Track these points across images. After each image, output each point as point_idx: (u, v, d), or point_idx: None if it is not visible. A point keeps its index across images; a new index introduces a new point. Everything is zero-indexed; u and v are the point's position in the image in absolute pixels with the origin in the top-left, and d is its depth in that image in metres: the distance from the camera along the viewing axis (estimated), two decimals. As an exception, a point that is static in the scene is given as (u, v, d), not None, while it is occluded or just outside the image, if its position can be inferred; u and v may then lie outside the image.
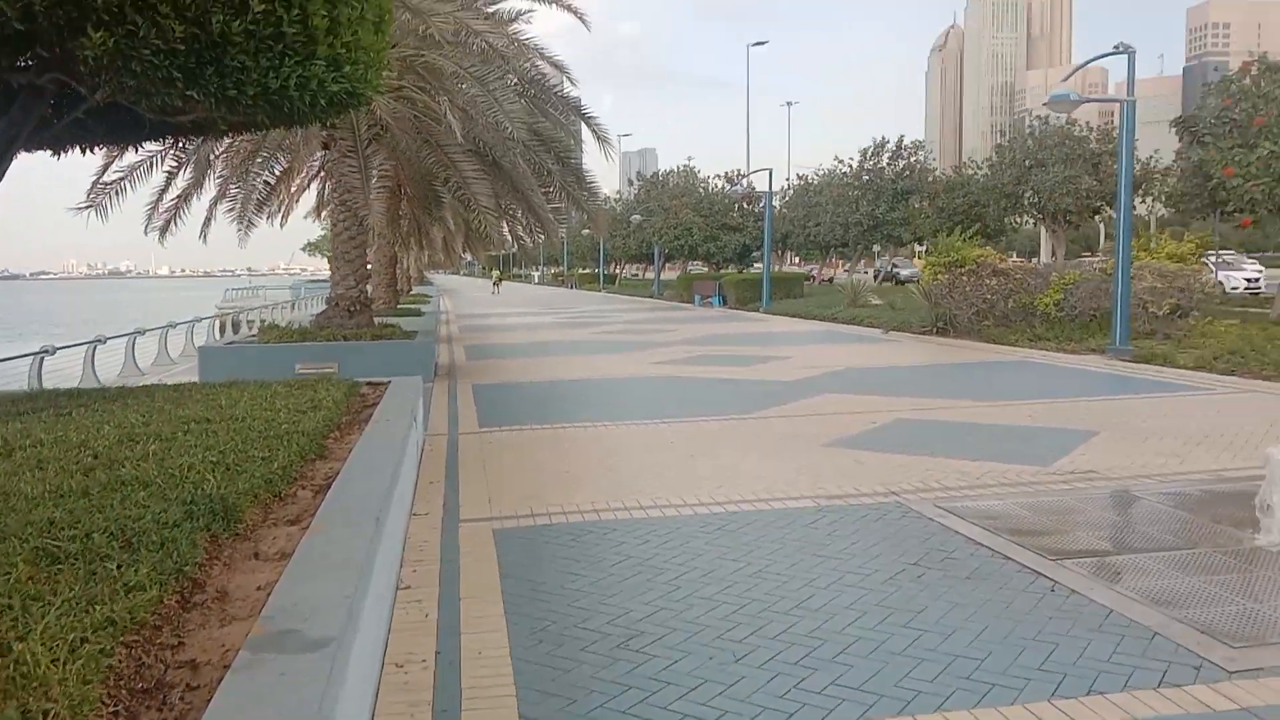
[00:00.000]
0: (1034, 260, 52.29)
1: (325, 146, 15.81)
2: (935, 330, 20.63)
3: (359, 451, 5.95)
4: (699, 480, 7.86)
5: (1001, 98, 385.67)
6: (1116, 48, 15.47)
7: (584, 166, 17.35)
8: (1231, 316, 20.61)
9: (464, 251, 48.89)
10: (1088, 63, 16.16)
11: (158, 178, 15.21)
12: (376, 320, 17.30)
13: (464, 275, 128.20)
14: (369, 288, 23.20)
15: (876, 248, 49.61)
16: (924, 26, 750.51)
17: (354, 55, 7.57)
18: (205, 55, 6.59)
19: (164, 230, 16.54)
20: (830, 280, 57.34)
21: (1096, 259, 45.87)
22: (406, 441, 6.86)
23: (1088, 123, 39.83)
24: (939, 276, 20.27)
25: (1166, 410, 10.77)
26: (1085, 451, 8.65)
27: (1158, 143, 41.42)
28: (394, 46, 15.07)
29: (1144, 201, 41.24)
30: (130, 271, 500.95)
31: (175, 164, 15.22)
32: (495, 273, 72.17)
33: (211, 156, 15.92)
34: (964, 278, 19.89)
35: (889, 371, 15.41)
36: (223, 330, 30.63)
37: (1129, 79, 15.51)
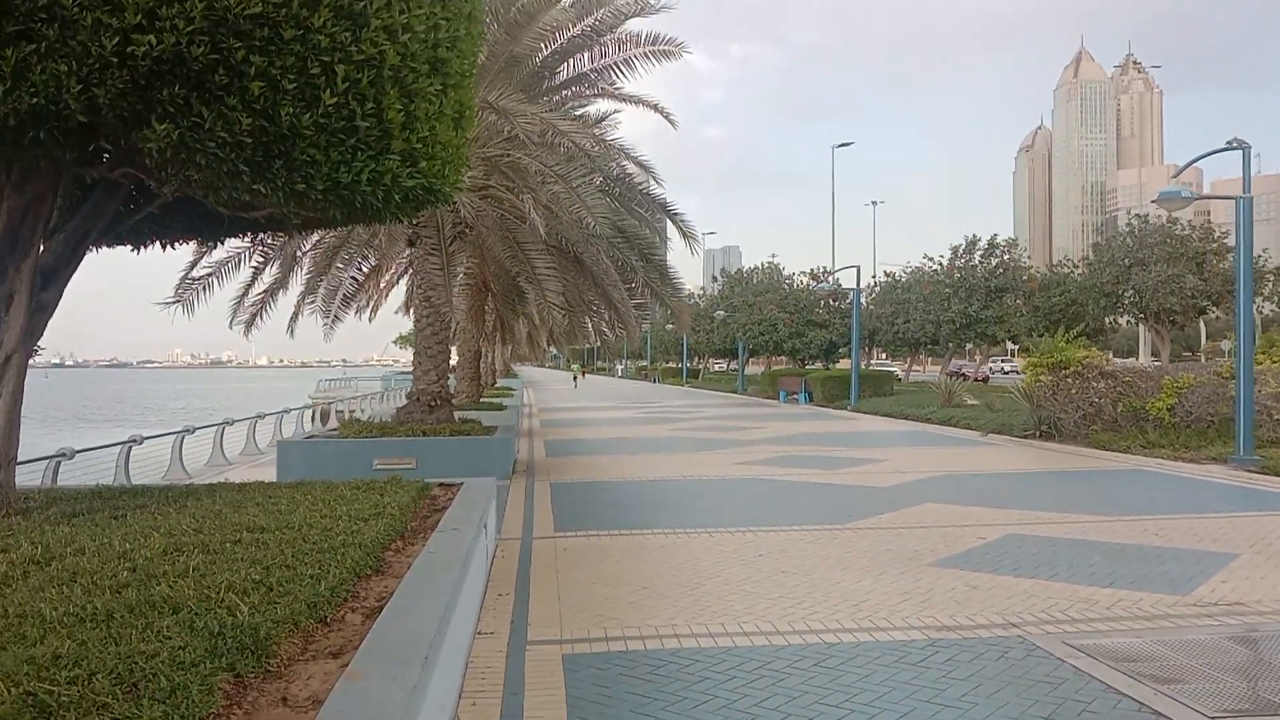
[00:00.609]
0: (1131, 361, 50.30)
1: (411, 243, 15.80)
2: (1038, 434, 19.51)
3: (418, 569, 5.42)
4: (791, 602, 7.13)
5: (1091, 197, 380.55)
6: (1230, 143, 14.66)
7: (668, 263, 17.04)
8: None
9: (548, 345, 49.17)
10: (1201, 158, 15.36)
11: (244, 273, 15.35)
12: (458, 415, 17.04)
13: (548, 368, 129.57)
14: (451, 381, 23.12)
15: (969, 346, 48.28)
16: (1011, 127, 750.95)
17: (431, 151, 7.34)
18: (273, 149, 6.37)
19: (250, 324, 16.65)
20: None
21: (1201, 360, 43.72)
22: (472, 555, 6.32)
23: (1189, 221, 38.47)
24: (1042, 378, 19.24)
25: (1314, 531, 9.66)
26: (1226, 578, 7.67)
27: (1265, 241, 39.75)
28: (481, 146, 15.13)
29: (1254, 301, 39.43)
30: (231, 361, 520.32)
31: (262, 259, 15.37)
32: (575, 366, 72.44)
33: (298, 253, 16.05)
34: (1069, 380, 18.84)
35: (992, 479, 14.43)
36: (316, 419, 30.91)
37: (1245, 175, 14.63)
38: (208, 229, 8.76)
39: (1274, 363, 16.85)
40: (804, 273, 49.20)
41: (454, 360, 25.65)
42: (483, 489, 8.95)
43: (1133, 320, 41.66)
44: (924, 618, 6.69)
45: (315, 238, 16.45)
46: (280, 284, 16.45)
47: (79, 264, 7.60)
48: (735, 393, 50.38)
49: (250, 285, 15.78)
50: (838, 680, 5.41)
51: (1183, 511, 11.03)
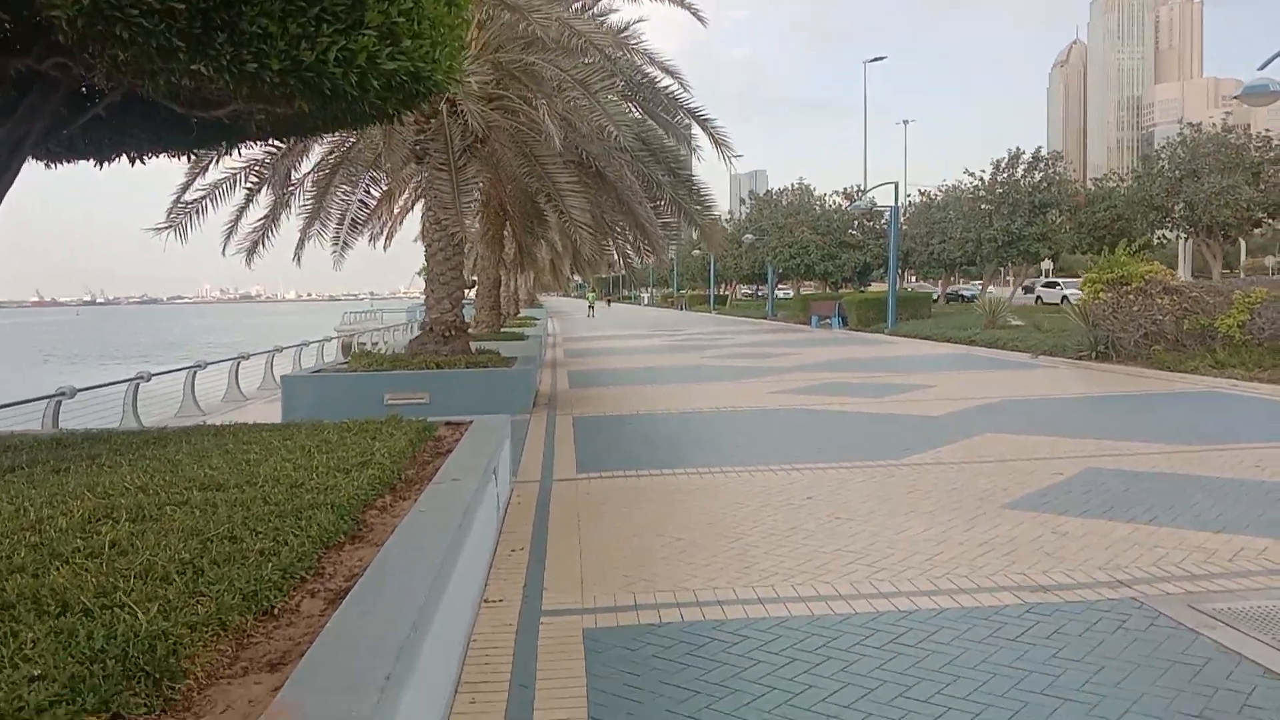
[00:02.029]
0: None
1: (418, 159, 14.62)
2: (1095, 355, 18.25)
3: (403, 534, 4.42)
4: (852, 555, 6.09)
5: (1128, 113, 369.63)
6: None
7: (697, 179, 15.74)
8: None
9: (572, 273, 47.94)
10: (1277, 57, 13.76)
11: (239, 196, 14.26)
12: (476, 346, 16.04)
13: (574, 297, 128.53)
14: (470, 312, 22.10)
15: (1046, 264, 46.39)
16: (1045, 43, 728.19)
17: (416, 28, 6.03)
18: (214, 18, 5.18)
19: (251, 252, 15.62)
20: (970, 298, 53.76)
21: (1241, 277, 41.90)
22: (475, 510, 5.32)
23: (1245, 129, 36.34)
24: (1101, 295, 17.90)
25: None
26: (1363, 522, 6.54)
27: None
28: (493, 51, 13.82)
29: (1315, 211, 37.44)
30: (259, 296, 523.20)
31: (256, 180, 14.25)
32: (590, 295, 70.55)
33: (292, 172, 14.89)
34: (1130, 296, 17.49)
35: (1054, 405, 13.27)
36: (337, 353, 30.08)
37: (1343, 60, 13.10)
38: (173, 137, 7.65)
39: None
40: (836, 193, 47.44)
41: (475, 292, 24.63)
42: (494, 428, 7.93)
43: (1182, 235, 39.78)
44: (1013, 575, 5.63)
45: (315, 159, 15.31)
46: (281, 207, 15.35)
47: (16, 174, 6.56)
48: (765, 318, 49.10)
49: (244, 209, 14.70)
50: (921, 664, 4.38)
51: (1276, 439, 9.85)
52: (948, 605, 5.16)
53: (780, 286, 62.88)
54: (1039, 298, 58.42)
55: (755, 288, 78.09)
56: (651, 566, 5.98)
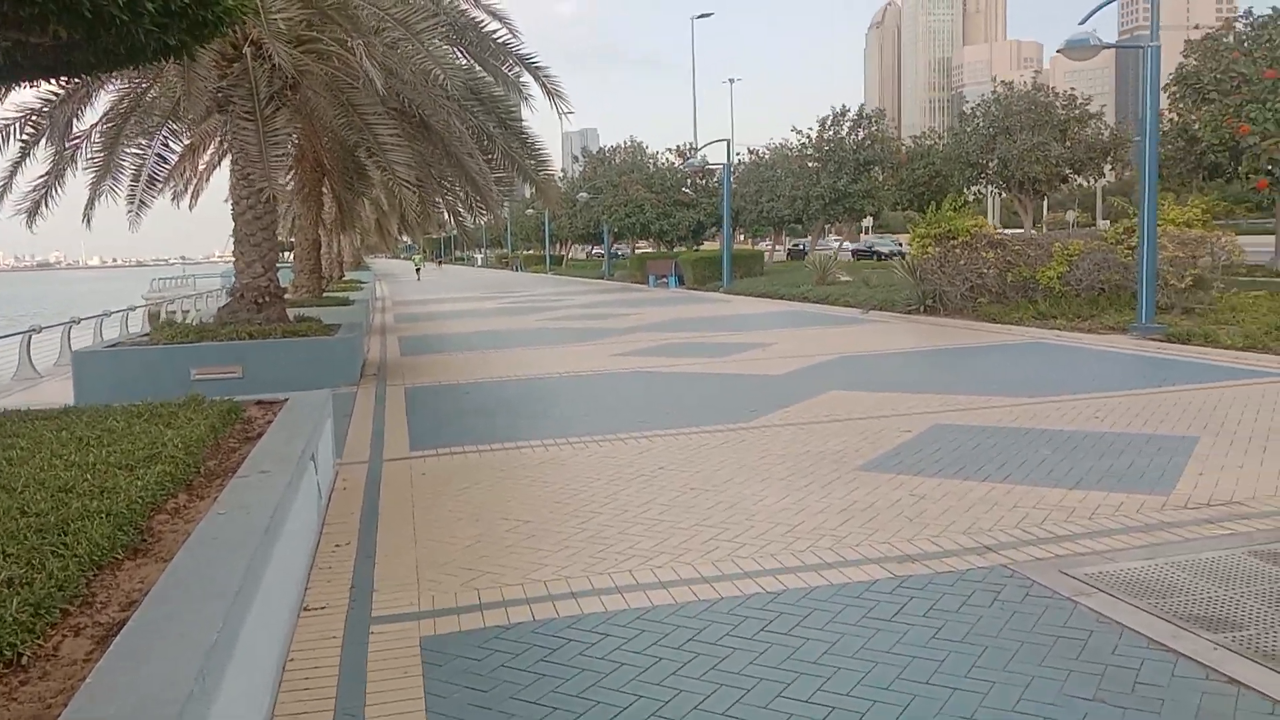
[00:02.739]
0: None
1: (221, 108, 13.27)
2: (923, 309, 18.68)
3: (197, 543, 3.68)
4: (710, 531, 5.69)
5: (939, 74, 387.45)
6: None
7: (531, 132, 15.00)
8: (1240, 286, 18.93)
9: (400, 234, 46.04)
10: (1103, 5, 14.19)
11: (14, 150, 12.58)
12: (295, 313, 14.87)
13: (405, 259, 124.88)
14: (286, 276, 20.69)
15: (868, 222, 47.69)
16: (863, 3, 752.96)
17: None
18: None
19: (33, 213, 13.89)
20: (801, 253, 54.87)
21: (1043, 231, 44.58)
22: (288, 505, 4.59)
23: (1052, 88, 38.24)
24: (929, 249, 18.29)
25: (1256, 404, 8.83)
26: (1201, 469, 6.63)
27: (1105, 113, 40.06)
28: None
29: (1113, 169, 39.95)
30: (60, 263, 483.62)
31: (33, 131, 12.60)
32: (417, 258, 67.98)
33: (73, 122, 13.26)
34: (957, 250, 17.94)
35: (891, 360, 13.38)
36: (145, 323, 27.69)
37: (1153, 20, 13.59)
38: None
39: (1175, 225, 16.25)
40: (669, 150, 47.35)
41: (293, 254, 23.07)
42: (313, 405, 7.13)
43: (996, 190, 41.72)
44: (878, 544, 5.35)
45: (103, 107, 13.69)
46: (65, 162, 13.67)
47: None
48: (602, 278, 48.75)
49: (19, 164, 13.00)
50: (797, 655, 3.99)
51: (1108, 389, 10.12)
52: (817, 583, 4.82)
53: (616, 246, 62.67)
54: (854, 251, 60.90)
55: (591, 247, 77.63)
56: (497, 556, 5.41)
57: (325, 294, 22.81)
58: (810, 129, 39.38)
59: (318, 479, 6.29)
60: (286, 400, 7.42)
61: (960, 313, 17.96)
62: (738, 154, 55.87)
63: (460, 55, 13.62)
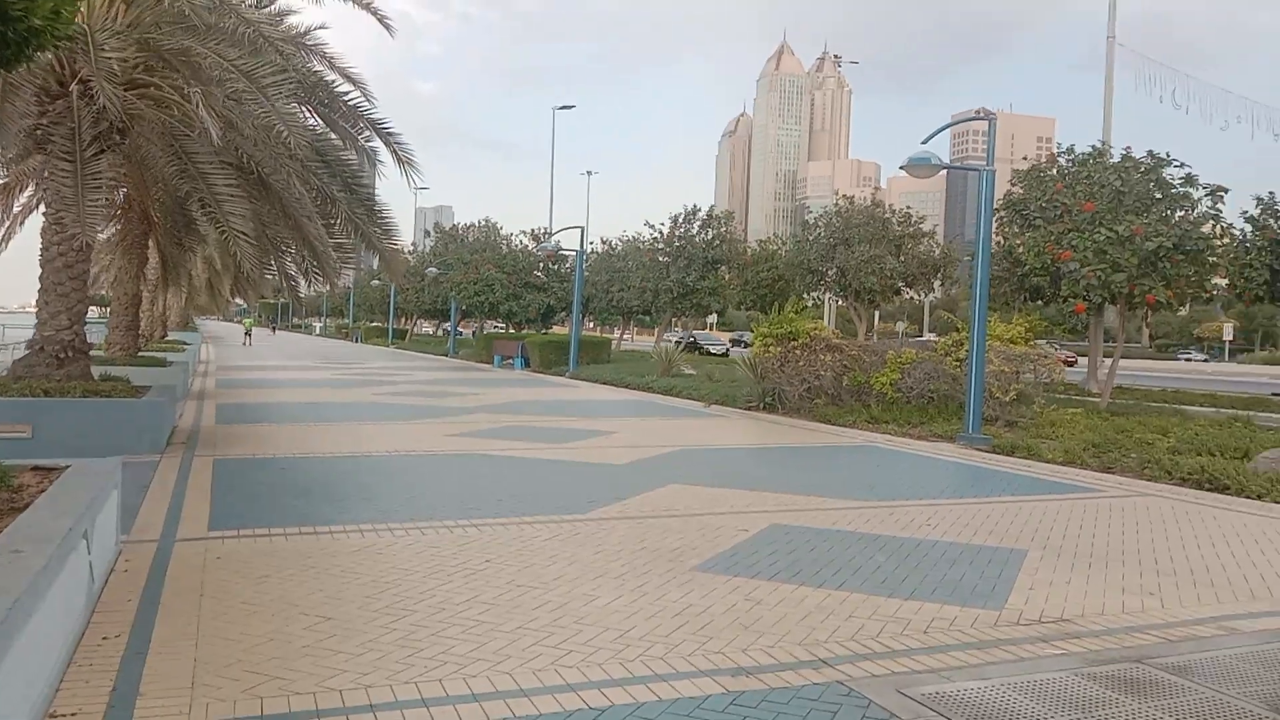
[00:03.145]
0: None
1: (40, 146, 12.24)
2: (763, 406, 18.89)
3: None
4: (535, 635, 5.23)
5: (785, 185, 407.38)
6: (978, 113, 14.45)
7: (379, 200, 14.49)
8: (1056, 403, 20.02)
9: (233, 295, 43.97)
10: (949, 126, 15.03)
11: None
12: (101, 371, 13.64)
13: (237, 322, 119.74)
14: (99, 332, 19.19)
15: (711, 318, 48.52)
16: (718, 112, 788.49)
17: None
18: None
19: None
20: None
21: (875, 339, 46.64)
22: (42, 594, 3.90)
23: (891, 205, 40.39)
24: (770, 349, 18.58)
25: (1079, 519, 9.08)
26: (1032, 584, 6.65)
27: (937, 233, 42.66)
28: (134, 28, 11.92)
29: (943, 285, 42.24)
30: None
31: None
32: (248, 321, 64.85)
33: None
34: (797, 352, 18.29)
35: (731, 455, 13.32)
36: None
37: (989, 146, 14.42)
38: None
39: (1000, 342, 17.06)
40: (523, 233, 47.33)
41: (111, 309, 21.44)
42: (98, 474, 6.34)
43: (835, 297, 43.40)
44: (711, 654, 5.03)
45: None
46: None
47: None
48: (446, 355, 47.79)
49: None
50: (622, 785, 3.58)
51: (938, 496, 10.27)
52: (646, 699, 4.43)
53: (463, 324, 61.86)
54: (697, 347, 62.40)
55: (437, 324, 76.39)
56: (290, 659, 4.78)
57: (141, 354, 21.24)
58: (662, 224, 40.19)
59: (91, 559, 5.51)
60: (68, 467, 6.58)
61: (798, 412, 18.23)
62: (591, 243, 56.54)
63: (309, 115, 13.08)
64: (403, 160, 13.18)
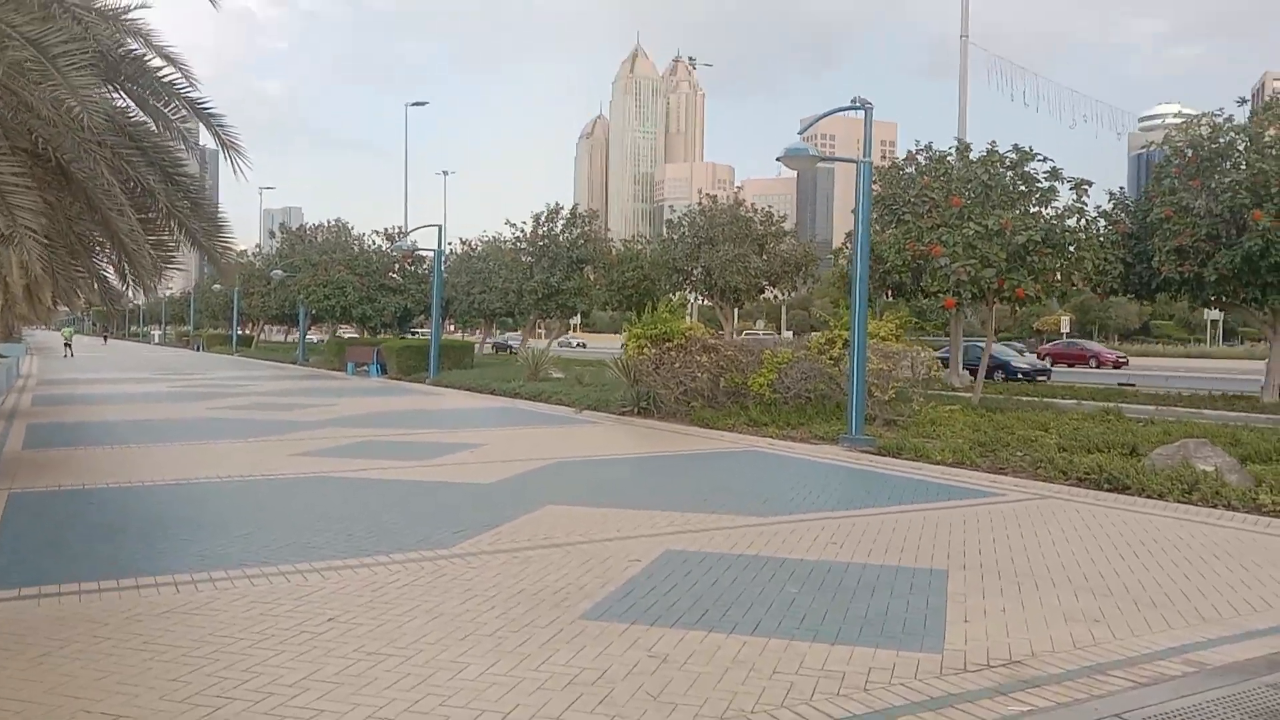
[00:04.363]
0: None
1: None
2: (637, 410, 18.00)
3: None
4: (391, 729, 4.10)
5: (643, 186, 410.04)
6: (854, 102, 13.86)
7: (207, 193, 12.86)
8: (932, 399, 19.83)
9: (54, 303, 40.29)
10: (825, 115, 14.47)
11: None
12: None
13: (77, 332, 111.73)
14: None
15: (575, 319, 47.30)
16: (575, 114, 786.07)
17: None
18: None
19: None
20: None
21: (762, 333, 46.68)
22: None
23: (753, 204, 40.30)
24: (645, 350, 17.70)
25: (989, 529, 8.46)
26: (965, 614, 5.90)
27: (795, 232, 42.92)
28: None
29: (805, 283, 42.45)
30: None
31: None
32: (67, 330, 60.96)
33: None
34: (672, 353, 17.47)
35: (610, 467, 12.34)
36: None
37: (865, 137, 13.91)
38: None
39: (874, 338, 16.62)
40: (377, 233, 45.07)
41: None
42: None
43: (699, 296, 43.06)
44: (618, 742, 4.01)
45: None
46: None
47: None
48: (295, 363, 45.19)
49: None
50: None
51: (836, 508, 9.54)
52: (540, 820, 3.38)
53: (318, 330, 58.93)
54: (511, 349, 62.37)
55: (287, 330, 72.72)
56: (48, 792, 3.51)
57: (-66, 369, 18.68)
58: (524, 224, 38.90)
59: None
60: None
61: (674, 416, 17.42)
62: (450, 244, 54.65)
63: (116, 95, 11.41)
64: (227, 145, 11.58)
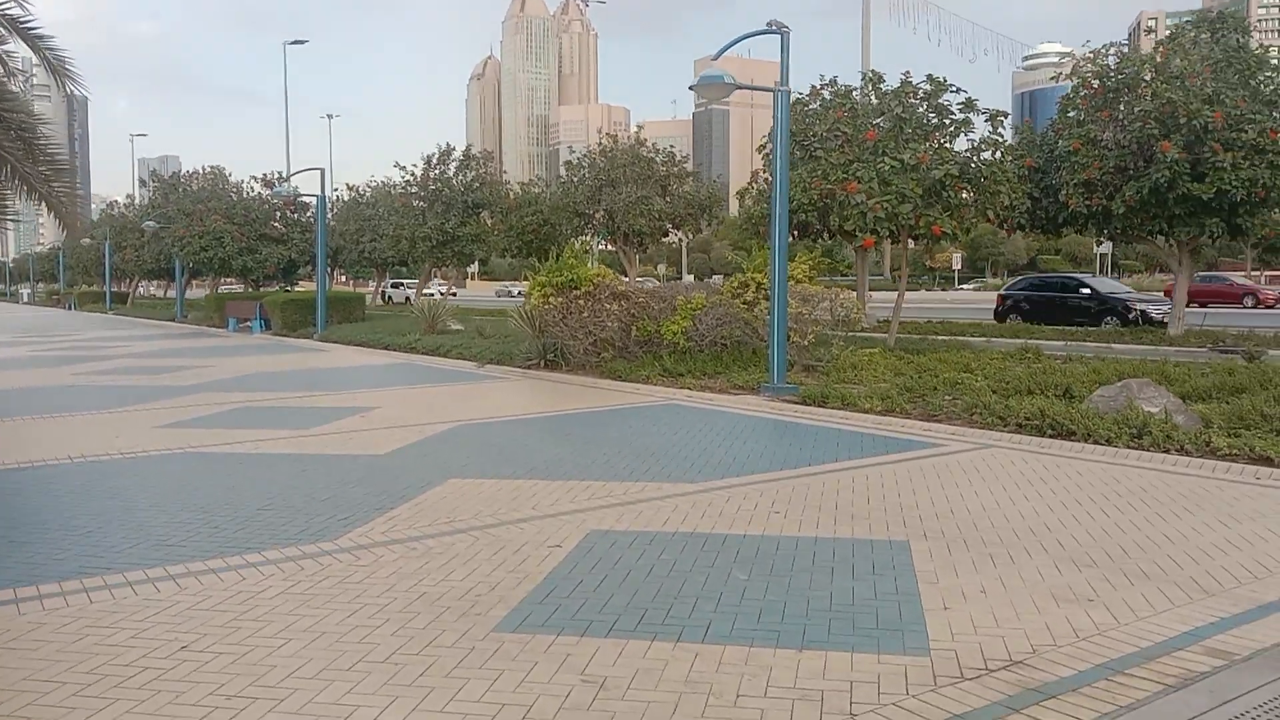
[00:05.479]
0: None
1: None
2: (544, 364, 16.95)
3: None
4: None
5: (537, 129, 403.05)
6: (770, 25, 12.87)
7: (43, 132, 11.17)
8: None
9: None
10: (739, 40, 13.42)
11: None
12: None
13: None
14: None
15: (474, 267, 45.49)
16: (465, 53, 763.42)
17: None
18: None
19: None
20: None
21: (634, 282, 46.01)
22: None
23: (654, 144, 39.12)
24: (550, 300, 16.59)
25: (939, 487, 7.75)
26: (942, 600, 5.12)
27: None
28: None
29: (709, 225, 41.62)
30: None
31: None
32: None
33: None
34: (580, 302, 16.41)
35: (518, 428, 11.29)
36: None
37: (783, 64, 12.95)
38: None
39: (799, 282, 15.87)
40: (255, 179, 42.36)
41: None
42: None
43: (600, 240, 41.90)
44: (555, 821, 3.06)
45: None
46: None
47: None
48: (174, 320, 42.53)
49: None
50: None
51: (770, 468, 8.72)
52: None
53: (199, 285, 55.66)
54: (388, 297, 60.56)
55: (166, 285, 68.79)
56: None
57: None
58: (415, 166, 36.93)
59: None
60: None
61: (584, 369, 16.43)
62: (336, 190, 52.03)
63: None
64: (56, 70, 9.95)
